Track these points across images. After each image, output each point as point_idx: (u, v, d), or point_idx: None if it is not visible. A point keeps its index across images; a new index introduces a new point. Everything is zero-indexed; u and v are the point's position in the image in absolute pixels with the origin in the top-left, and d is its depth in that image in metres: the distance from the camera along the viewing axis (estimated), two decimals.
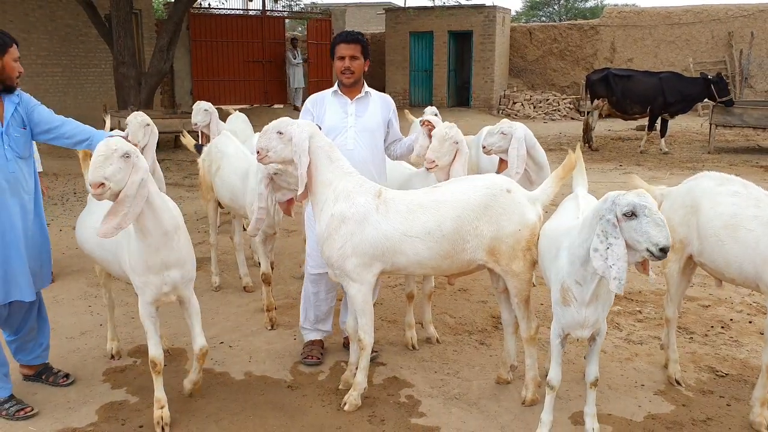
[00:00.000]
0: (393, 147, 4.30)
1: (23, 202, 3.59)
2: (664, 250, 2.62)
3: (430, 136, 4.02)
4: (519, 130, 4.71)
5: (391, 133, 4.28)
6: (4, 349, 3.74)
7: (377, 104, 4.20)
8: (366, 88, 4.20)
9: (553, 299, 3.19)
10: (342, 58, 4.06)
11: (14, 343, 3.84)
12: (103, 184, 2.94)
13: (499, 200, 3.44)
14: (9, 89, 3.53)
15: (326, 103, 4.15)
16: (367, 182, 3.59)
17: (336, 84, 4.18)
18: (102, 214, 3.58)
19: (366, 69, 4.14)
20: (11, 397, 3.59)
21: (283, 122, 3.51)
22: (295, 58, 19.13)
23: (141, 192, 3.05)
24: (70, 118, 3.75)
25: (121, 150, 3.00)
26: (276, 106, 19.53)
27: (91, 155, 3.99)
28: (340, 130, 4.08)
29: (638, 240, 2.66)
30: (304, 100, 18.70)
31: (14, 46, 3.53)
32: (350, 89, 4.14)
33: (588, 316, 3.04)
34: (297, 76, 19.15)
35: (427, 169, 3.99)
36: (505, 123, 4.80)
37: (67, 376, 3.91)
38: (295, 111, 17.55)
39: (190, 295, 3.49)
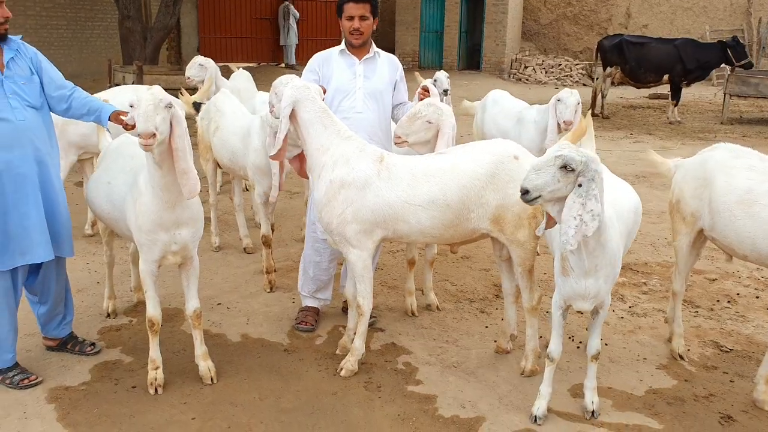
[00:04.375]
0: (396, 111, 4.16)
1: (39, 155, 3.35)
2: (521, 191, 2.72)
3: None
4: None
5: (396, 97, 4.14)
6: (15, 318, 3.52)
7: (385, 65, 4.07)
8: (374, 48, 4.05)
9: (555, 269, 3.10)
10: (351, 18, 3.89)
11: (44, 316, 3.66)
12: (154, 134, 2.88)
13: (506, 167, 3.32)
14: None
15: (333, 62, 4.00)
16: (368, 147, 3.47)
17: (343, 43, 4.04)
18: (119, 169, 3.50)
19: (374, 28, 3.99)
20: (16, 365, 3.46)
21: (281, 81, 3.43)
22: (297, 15, 18.81)
23: (187, 144, 3.05)
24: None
25: (166, 100, 2.97)
26: (282, 65, 19.26)
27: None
28: (349, 91, 3.95)
29: None
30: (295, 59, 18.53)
31: None
32: (358, 49, 3.99)
33: (588, 287, 2.95)
34: (293, 33, 18.82)
35: (395, 143, 3.82)
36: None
37: (93, 344, 3.76)
38: (288, 70, 17.25)
39: (194, 255, 3.40)
